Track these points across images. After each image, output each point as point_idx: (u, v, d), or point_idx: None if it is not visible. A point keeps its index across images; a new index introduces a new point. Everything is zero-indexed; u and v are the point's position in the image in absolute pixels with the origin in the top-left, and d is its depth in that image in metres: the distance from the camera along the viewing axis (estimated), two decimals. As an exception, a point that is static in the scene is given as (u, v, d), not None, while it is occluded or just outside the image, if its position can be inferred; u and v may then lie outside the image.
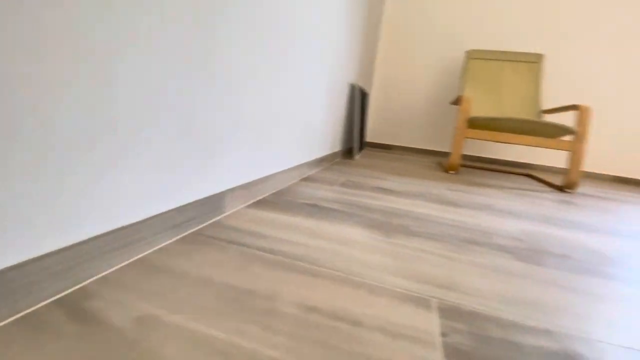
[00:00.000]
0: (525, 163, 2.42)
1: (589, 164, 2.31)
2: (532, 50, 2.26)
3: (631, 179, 2.26)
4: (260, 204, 0.76)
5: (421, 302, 0.42)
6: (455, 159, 1.66)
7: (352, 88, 1.80)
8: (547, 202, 1.21)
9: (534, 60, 2.07)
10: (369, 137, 2.74)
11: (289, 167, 1.00)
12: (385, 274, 0.48)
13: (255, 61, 0.69)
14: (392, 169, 1.60)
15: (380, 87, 2.63)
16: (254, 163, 0.77)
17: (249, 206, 0.73)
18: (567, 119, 2.23)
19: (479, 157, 2.50)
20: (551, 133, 1.57)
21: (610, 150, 2.26)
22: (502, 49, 2.29)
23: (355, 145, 1.82)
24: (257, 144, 0.77)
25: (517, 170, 2.23)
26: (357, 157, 1.86)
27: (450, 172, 1.70)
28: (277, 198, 0.83)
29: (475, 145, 2.50)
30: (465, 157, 2.52)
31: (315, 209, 0.77)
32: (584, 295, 0.50)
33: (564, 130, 1.53)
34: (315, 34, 1.04)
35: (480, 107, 2.05)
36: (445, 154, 2.57)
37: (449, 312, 0.40)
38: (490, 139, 1.64)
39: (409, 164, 1.88)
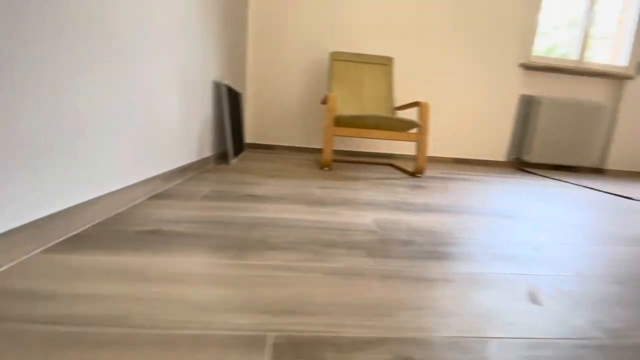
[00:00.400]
0: (389, 153, 2.75)
1: (436, 149, 2.80)
2: (385, 54, 2.56)
3: (465, 159, 2.84)
4: (69, 243, 0.57)
5: (255, 343, 0.35)
6: (327, 156, 1.73)
7: (218, 87, 1.66)
8: (401, 189, 1.37)
9: (385, 63, 2.35)
10: (251, 138, 2.64)
11: (128, 184, 0.82)
12: (219, 314, 0.40)
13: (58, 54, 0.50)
14: (268, 171, 1.54)
15: (256, 87, 2.55)
16: (60, 187, 0.57)
17: (49, 250, 0.54)
18: (414, 114, 2.63)
19: (351, 151, 2.71)
20: (402, 127, 1.80)
21: (449, 137, 2.79)
22: (361, 52, 2.52)
23: (230, 148, 1.69)
24: (65, 162, 0.57)
25: (382, 160, 2.51)
26: (233, 161, 1.73)
27: (324, 168, 1.77)
28: (102, 230, 0.65)
29: (347, 140, 2.70)
30: (339, 152, 2.70)
31: (153, 238, 0.63)
32: (422, 284, 0.53)
33: (411, 124, 1.78)
34: (158, 27, 0.87)
35: (346, 105, 2.21)
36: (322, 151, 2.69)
37: (285, 348, 0.35)
38: (355, 135, 1.76)
39: (287, 164, 1.87)
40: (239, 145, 2.00)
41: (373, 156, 2.73)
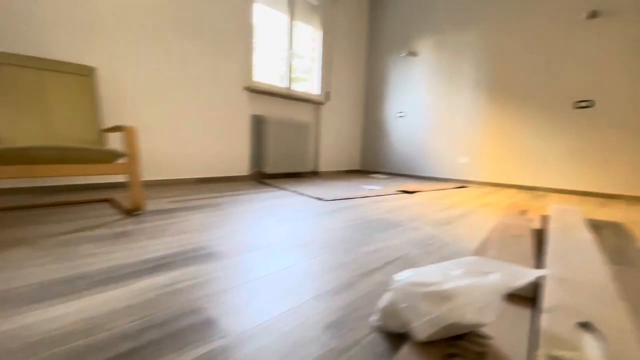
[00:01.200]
0: (116, 182, 2.26)
1: (178, 172, 2.58)
2: (84, 62, 2.04)
3: (211, 177, 2.80)
4: None
5: None
6: (-40, 215, 1.10)
7: None
8: (89, 246, 1.05)
9: (84, 74, 1.86)
10: None
11: None
12: None
13: None
14: None
15: None
16: None
17: None
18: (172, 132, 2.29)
19: (50, 186, 2.00)
20: (103, 158, 1.45)
21: (191, 157, 2.65)
22: (39, 55, 1.87)
23: None
24: None
25: (98, 196, 1.99)
26: None
27: (-40, 234, 1.12)
28: None
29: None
30: (25, 190, 1.93)
31: None
32: None
33: (114, 154, 1.46)
34: None
35: (17, 130, 1.55)
36: None
37: None
38: (24, 175, 1.24)
39: None
40: None
41: (90, 189, 2.15)
